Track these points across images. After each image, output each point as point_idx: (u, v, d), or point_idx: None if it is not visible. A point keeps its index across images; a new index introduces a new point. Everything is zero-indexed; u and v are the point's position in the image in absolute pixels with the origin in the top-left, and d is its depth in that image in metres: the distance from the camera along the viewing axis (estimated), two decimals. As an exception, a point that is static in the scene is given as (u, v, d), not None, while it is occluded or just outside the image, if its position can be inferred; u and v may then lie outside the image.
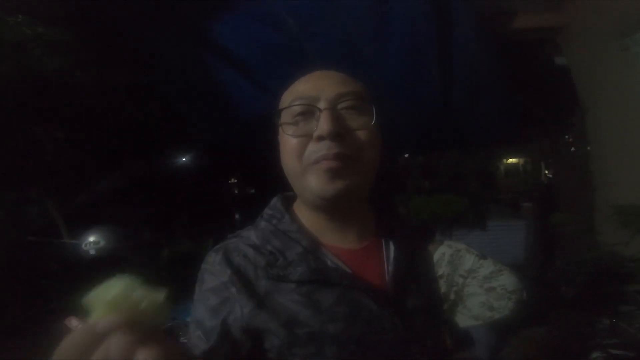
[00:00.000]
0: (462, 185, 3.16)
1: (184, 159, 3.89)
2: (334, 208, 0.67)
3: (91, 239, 2.23)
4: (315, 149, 0.62)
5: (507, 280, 2.10)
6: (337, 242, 0.70)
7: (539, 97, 2.78)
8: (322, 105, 0.63)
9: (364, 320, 0.63)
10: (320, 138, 0.61)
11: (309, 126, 0.63)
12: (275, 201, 0.75)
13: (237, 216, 2.99)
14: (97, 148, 2.80)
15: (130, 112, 2.74)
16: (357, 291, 0.65)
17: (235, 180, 4.48)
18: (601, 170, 2.59)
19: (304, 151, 0.64)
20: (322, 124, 0.61)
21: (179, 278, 2.78)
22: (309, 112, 0.64)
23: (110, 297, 0.38)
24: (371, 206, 0.77)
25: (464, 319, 2.18)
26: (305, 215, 0.72)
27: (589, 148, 2.69)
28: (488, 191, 3.12)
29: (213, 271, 0.67)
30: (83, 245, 2.22)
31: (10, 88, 2.18)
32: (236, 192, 4.50)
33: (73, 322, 1.82)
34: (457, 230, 3.61)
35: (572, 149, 2.86)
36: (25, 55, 2.20)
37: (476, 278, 2.15)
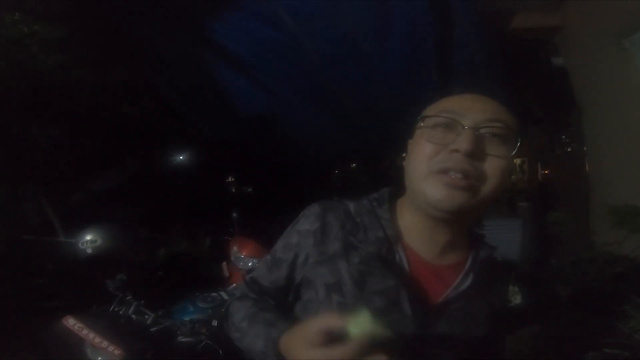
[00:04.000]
0: None
1: (181, 157, 3.88)
2: (439, 221, 0.69)
3: (88, 237, 2.21)
4: (445, 159, 0.64)
5: None
6: (419, 250, 0.73)
7: (537, 97, 2.79)
8: (467, 123, 0.64)
9: (392, 322, 0.64)
10: (455, 151, 0.63)
11: (448, 138, 0.65)
12: (384, 190, 0.79)
13: (234, 215, 2.97)
14: (93, 146, 2.78)
15: (126, 110, 2.73)
16: (403, 294, 0.68)
17: (233, 179, 4.47)
18: (597, 170, 2.61)
19: (433, 158, 0.65)
20: (462, 139, 0.62)
21: (175, 277, 2.78)
22: (452, 125, 0.65)
23: (372, 331, 0.53)
24: (470, 233, 0.79)
25: None
26: (404, 213, 0.75)
27: (585, 148, 2.70)
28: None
29: (308, 217, 0.77)
30: (79, 244, 2.20)
31: (6, 85, 2.16)
32: (233, 190, 4.48)
33: (70, 321, 1.81)
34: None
35: (569, 149, 2.88)
36: (21, 53, 2.18)
37: None
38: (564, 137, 2.93)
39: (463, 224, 0.73)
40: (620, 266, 2.11)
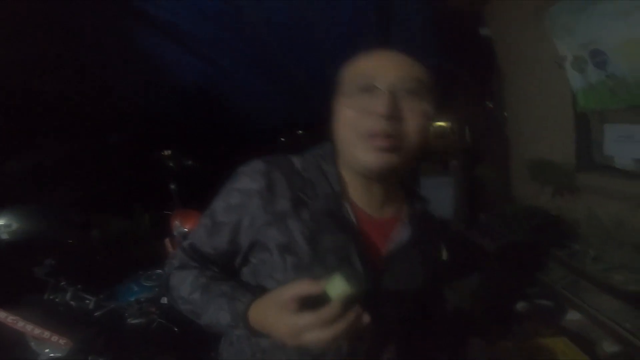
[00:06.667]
0: None
1: (114, 133, 3.53)
2: (373, 179, 0.73)
3: (1, 222, 1.97)
4: (367, 123, 0.66)
5: None
6: (362, 204, 0.76)
7: (465, 65, 2.95)
8: (382, 85, 0.66)
9: (345, 276, 0.66)
10: (375, 115, 0.65)
11: (366, 102, 0.67)
12: (327, 144, 0.79)
13: (172, 187, 2.83)
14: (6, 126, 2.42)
15: (45, 88, 2.39)
16: (353, 249, 0.71)
17: (170, 152, 4.21)
18: (516, 130, 2.89)
19: (357, 124, 0.67)
20: (379, 103, 0.64)
21: (114, 258, 2.62)
22: (369, 89, 0.67)
23: (348, 292, 0.55)
24: (403, 188, 0.84)
25: None
26: (343, 169, 0.77)
27: (505, 114, 2.95)
28: (420, 151, 3.35)
29: (250, 174, 0.73)
30: None
31: None
32: (171, 164, 4.24)
33: (1, 314, 1.63)
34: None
35: (493, 114, 3.12)
36: None
37: None
38: (488, 104, 3.15)
39: (395, 179, 0.78)
40: (538, 219, 2.32)
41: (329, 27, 2.29)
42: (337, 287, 0.55)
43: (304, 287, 0.57)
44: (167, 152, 4.64)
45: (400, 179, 0.83)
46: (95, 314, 1.81)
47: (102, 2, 2.16)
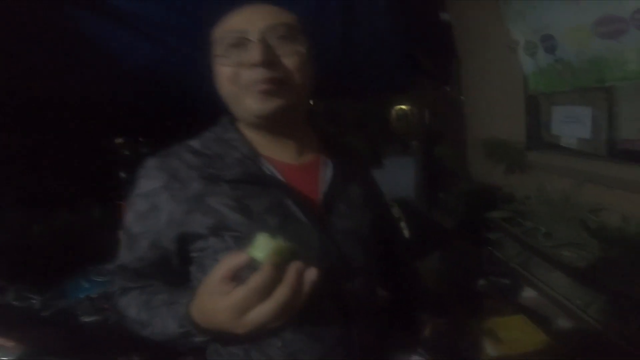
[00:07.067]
0: (361, 129, 3.42)
1: (55, 122, 3.20)
2: (272, 125, 0.72)
3: None
4: (249, 76, 0.66)
5: None
6: (276, 156, 0.74)
7: (425, 51, 2.99)
8: (252, 36, 0.66)
9: (292, 231, 0.64)
10: (253, 66, 0.65)
11: (241, 56, 0.66)
12: (222, 117, 0.78)
13: (122, 175, 2.66)
14: None
15: None
16: (289, 202, 0.68)
17: (123, 140, 3.92)
18: (473, 111, 3.00)
19: (238, 78, 0.67)
20: (253, 53, 0.64)
21: (59, 254, 2.41)
22: (240, 43, 0.67)
23: (276, 246, 0.48)
24: (314, 128, 0.83)
25: None
26: (246, 133, 0.75)
27: (462, 97, 3.05)
28: (381, 133, 3.43)
29: (148, 175, 0.69)
30: None
31: None
32: (127, 152, 3.96)
33: None
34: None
35: (450, 98, 3.21)
36: None
37: None
38: (446, 88, 3.23)
39: (295, 120, 0.76)
40: (492, 195, 2.43)
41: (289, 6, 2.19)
42: (262, 247, 0.48)
43: (227, 262, 0.50)
44: (119, 140, 4.32)
45: (306, 121, 0.82)
46: (43, 313, 1.66)
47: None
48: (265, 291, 0.48)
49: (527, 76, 2.31)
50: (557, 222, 1.99)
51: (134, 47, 2.60)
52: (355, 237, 0.74)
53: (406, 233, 2.45)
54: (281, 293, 0.48)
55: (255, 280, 0.47)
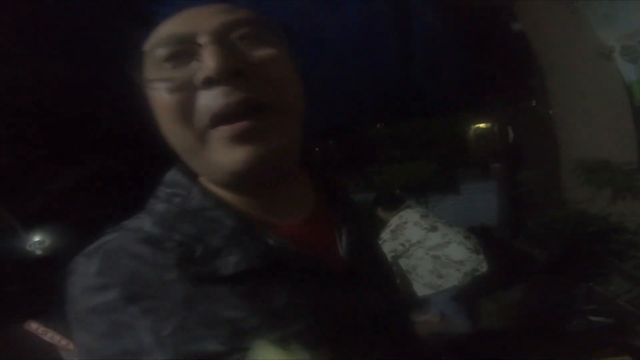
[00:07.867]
0: (432, 152, 3.22)
1: (147, 153, 3.69)
2: (255, 183, 0.47)
3: (36, 239, 2.11)
4: (207, 102, 0.41)
5: (452, 251, 2.07)
6: (270, 218, 0.49)
7: (500, 64, 2.76)
8: (202, 39, 0.42)
9: (331, 308, 0.46)
10: (209, 82, 0.40)
11: (189, 71, 0.42)
12: (172, 174, 0.50)
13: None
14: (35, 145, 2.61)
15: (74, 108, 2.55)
16: (313, 273, 0.47)
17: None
18: (564, 129, 2.64)
19: (189, 109, 0.42)
20: (207, 62, 0.40)
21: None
22: (185, 52, 0.42)
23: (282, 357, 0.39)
24: (305, 170, 0.56)
25: (418, 288, 2.17)
26: (218, 191, 0.49)
27: (550, 112, 2.71)
28: (457, 155, 3.20)
29: (88, 286, 0.43)
30: (27, 246, 2.11)
31: None
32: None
33: (33, 325, 1.72)
34: (432, 197, 3.64)
35: (536, 112, 2.89)
36: None
37: (421, 248, 2.13)
38: (530, 101, 2.93)
39: (287, 166, 0.50)
40: (593, 225, 2.10)
41: (336, 28, 2.21)
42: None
43: None
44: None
45: (296, 163, 0.53)
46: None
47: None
48: None
49: (630, 85, 1.98)
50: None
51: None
52: (385, 283, 0.65)
53: (484, 265, 2.21)
54: None
55: None
